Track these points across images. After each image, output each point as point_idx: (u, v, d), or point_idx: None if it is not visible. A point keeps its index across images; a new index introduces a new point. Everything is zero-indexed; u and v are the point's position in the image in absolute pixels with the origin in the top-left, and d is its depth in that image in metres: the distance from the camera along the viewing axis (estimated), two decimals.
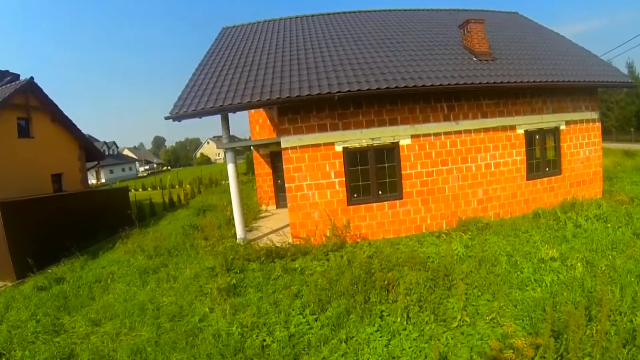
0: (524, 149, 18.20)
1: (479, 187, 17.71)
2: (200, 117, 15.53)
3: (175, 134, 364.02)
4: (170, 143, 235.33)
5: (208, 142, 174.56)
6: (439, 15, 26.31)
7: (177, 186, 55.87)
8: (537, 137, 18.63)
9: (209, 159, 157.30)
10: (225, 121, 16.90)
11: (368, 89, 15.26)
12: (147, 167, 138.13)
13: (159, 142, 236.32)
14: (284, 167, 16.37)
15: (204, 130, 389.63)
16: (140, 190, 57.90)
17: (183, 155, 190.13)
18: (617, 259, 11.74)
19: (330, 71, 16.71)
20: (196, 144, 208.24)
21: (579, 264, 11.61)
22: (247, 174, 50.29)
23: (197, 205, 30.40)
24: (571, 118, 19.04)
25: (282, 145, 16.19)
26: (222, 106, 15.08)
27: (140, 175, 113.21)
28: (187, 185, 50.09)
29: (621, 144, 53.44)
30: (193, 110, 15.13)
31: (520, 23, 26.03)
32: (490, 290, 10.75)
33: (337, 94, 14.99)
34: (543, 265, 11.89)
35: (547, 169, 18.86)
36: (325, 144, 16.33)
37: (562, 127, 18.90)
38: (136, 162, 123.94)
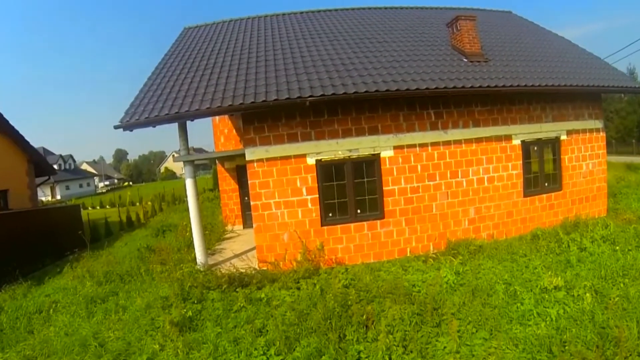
0: (521, 162, 17.88)
1: (471, 204, 17.31)
2: (155, 126, 14.97)
3: (139, 146, 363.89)
4: (132, 156, 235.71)
5: (173, 155, 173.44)
6: (424, 13, 26.25)
7: (137, 203, 55.34)
8: (535, 148, 18.36)
9: (174, 173, 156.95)
10: (183, 130, 16.34)
11: (344, 93, 14.78)
12: (107, 182, 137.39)
13: (120, 155, 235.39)
14: (249, 182, 15.87)
15: (170, 142, 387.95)
16: (98, 207, 57.47)
17: (146, 169, 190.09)
18: (630, 288, 11.19)
19: (301, 73, 16.28)
20: (160, 157, 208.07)
21: (587, 294, 11.01)
22: (213, 190, 49.93)
23: (157, 225, 29.82)
24: (573, 127, 18.81)
25: (247, 158, 15.70)
26: (179, 113, 14.50)
27: (99, 191, 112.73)
28: (149, 203, 49.67)
29: (622, 156, 53.93)
30: (146, 118, 14.53)
31: (515, 22, 26.10)
32: (486, 326, 10.15)
33: (309, 98, 14.49)
34: (546, 296, 11.30)
35: (546, 185, 18.56)
36: (296, 156, 15.84)
37: (563, 137, 18.65)
38: (95, 178, 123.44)
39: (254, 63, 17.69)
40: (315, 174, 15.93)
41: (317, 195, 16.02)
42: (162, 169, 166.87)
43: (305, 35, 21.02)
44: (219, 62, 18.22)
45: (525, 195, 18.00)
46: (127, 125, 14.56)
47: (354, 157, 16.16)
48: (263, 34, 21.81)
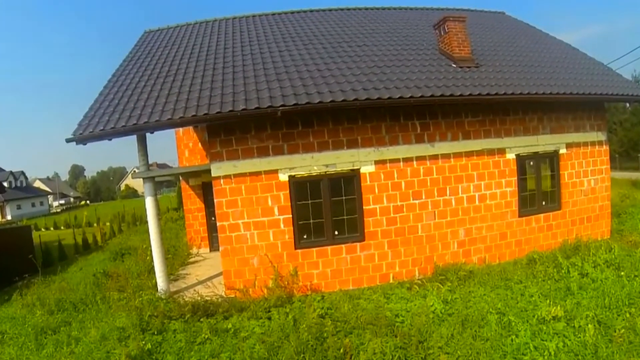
0: (516, 178, 18.02)
1: (460, 225, 17.39)
2: (110, 139, 14.95)
3: (97, 162, 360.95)
4: (90, 173, 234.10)
5: (135, 172, 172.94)
6: (409, 14, 26.56)
7: (95, 224, 54.99)
8: (531, 163, 18.54)
9: (136, 191, 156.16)
10: (142, 144, 16.37)
11: (320, 103, 14.81)
12: (62, 201, 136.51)
13: (77, 172, 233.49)
14: (215, 200, 15.87)
15: (131, 157, 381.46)
16: (52, 229, 57.05)
17: (105, 187, 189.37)
18: (636, 318, 11.26)
19: (272, 80, 16.31)
20: (121, 173, 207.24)
21: (589, 325, 11.02)
22: (178, 209, 49.61)
23: (116, 248, 29.68)
24: (573, 140, 18.98)
25: (213, 174, 15.72)
26: (137, 125, 14.49)
27: (53, 211, 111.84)
28: (107, 223, 49.39)
29: (627, 172, 54.05)
30: (101, 130, 14.50)
31: (509, 24, 26.49)
32: None
33: (281, 108, 14.51)
34: (544, 327, 11.32)
35: (543, 203, 18.70)
36: (267, 172, 15.86)
37: (562, 150, 18.81)
38: (49, 196, 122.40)
39: (220, 69, 17.71)
40: (288, 191, 15.95)
41: (291, 215, 16.01)
42: (123, 187, 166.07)
43: (277, 39, 21.12)
44: (182, 69, 18.25)
45: (520, 215, 18.10)
46: (81, 138, 14.53)
47: (331, 172, 16.21)
48: (231, 37, 21.89)
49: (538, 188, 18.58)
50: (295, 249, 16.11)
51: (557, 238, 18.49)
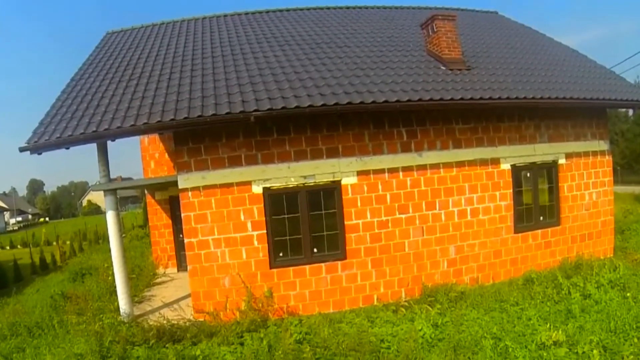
0: (511, 191, 17.99)
1: (451, 242, 17.31)
2: (68, 148, 14.70)
3: (57, 176, 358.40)
4: (50, 188, 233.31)
5: (93, 185, 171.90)
6: (393, 13, 26.73)
7: (54, 243, 54.49)
8: (528, 174, 18.55)
9: (99, 207, 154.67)
10: (103, 153, 16.21)
11: (297, 107, 14.70)
12: (19, 218, 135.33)
13: (35, 187, 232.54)
14: (182, 215, 15.73)
15: (94, 170, 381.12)
16: (8, 247, 56.58)
17: (66, 203, 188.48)
18: None
19: (245, 84, 16.21)
20: (83, 188, 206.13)
21: (594, 351, 10.92)
22: (144, 226, 49.26)
23: (76, 268, 29.36)
24: (573, 149, 18.98)
25: (180, 186, 15.56)
26: (97, 132, 14.25)
27: (9, 229, 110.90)
28: (67, 242, 48.85)
29: (629, 186, 54.15)
30: (57, 138, 14.27)
31: (502, 24, 26.69)
32: None
33: (254, 113, 14.36)
34: (544, 354, 11.19)
35: (541, 218, 18.71)
36: (239, 184, 15.73)
37: (561, 161, 18.82)
38: (5, 213, 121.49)
39: (188, 72, 17.60)
40: (262, 205, 15.83)
41: (265, 231, 15.87)
42: (85, 202, 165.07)
43: (250, 40, 21.06)
44: (146, 71, 18.12)
45: (516, 232, 18.06)
46: (35, 147, 14.30)
47: (310, 184, 16.12)
48: (200, 38, 21.84)
49: (535, 202, 18.57)
50: (271, 268, 15.97)
51: (555, 256, 18.46)
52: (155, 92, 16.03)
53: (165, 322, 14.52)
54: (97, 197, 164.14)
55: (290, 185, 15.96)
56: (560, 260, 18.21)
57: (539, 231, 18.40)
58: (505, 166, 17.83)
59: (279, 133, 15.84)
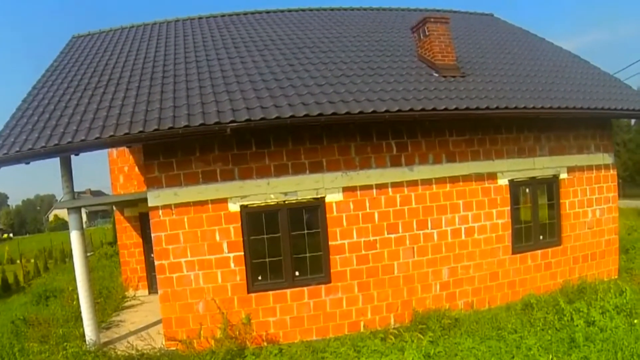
0: (509, 208, 17.80)
1: (444, 264, 17.08)
2: (28, 162, 14.44)
3: (22, 190, 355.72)
4: (14, 202, 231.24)
5: (55, 202, 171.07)
6: (382, 16, 26.71)
7: (17, 261, 53.93)
8: (527, 190, 18.42)
9: (65, 222, 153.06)
10: (66, 168, 15.95)
11: (277, 118, 14.40)
12: None
13: None
14: (152, 235, 15.45)
15: (61, 184, 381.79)
16: None
17: (31, 217, 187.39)
18: None
19: (221, 92, 15.92)
20: (49, 202, 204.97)
21: None
22: (113, 244, 48.73)
23: (40, 289, 28.86)
24: (575, 163, 18.83)
25: (150, 203, 15.29)
26: (60, 145, 13.92)
27: None
28: (31, 260, 48.27)
29: (632, 200, 53.94)
30: (17, 152, 13.90)
31: (498, 28, 26.69)
32: None
33: (230, 125, 14.08)
34: None
35: (541, 238, 18.51)
36: (215, 201, 15.48)
37: (563, 175, 18.66)
38: None
39: (159, 79, 17.32)
40: (239, 224, 15.58)
41: (243, 253, 15.60)
42: (51, 217, 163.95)
43: (227, 44, 20.82)
44: (114, 79, 17.79)
45: (514, 252, 17.86)
46: None
47: (292, 202, 15.90)
48: (173, 42, 21.60)
49: (535, 220, 18.40)
50: (249, 292, 15.71)
51: (556, 278, 18.28)
52: (123, 102, 15.72)
53: (134, 351, 14.43)
54: (64, 211, 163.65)
55: (270, 203, 15.74)
56: (562, 282, 18.02)
57: (539, 251, 18.20)
58: (503, 181, 17.66)
59: (258, 146, 15.64)
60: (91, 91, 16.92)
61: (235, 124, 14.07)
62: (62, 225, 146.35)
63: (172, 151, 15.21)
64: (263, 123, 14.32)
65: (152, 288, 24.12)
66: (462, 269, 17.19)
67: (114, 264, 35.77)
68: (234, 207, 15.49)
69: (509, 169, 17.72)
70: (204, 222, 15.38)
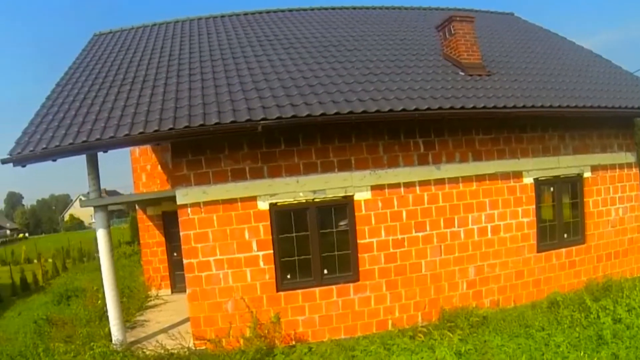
0: (534, 207, 17.36)
1: (470, 262, 16.60)
2: (55, 160, 13.94)
3: (36, 189, 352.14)
4: (29, 201, 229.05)
5: (80, 199, 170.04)
6: (403, 15, 26.37)
7: (35, 261, 53.52)
8: (551, 189, 17.97)
9: (82, 222, 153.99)
10: (93, 166, 15.39)
11: (309, 116, 14.03)
12: None
13: (14, 200, 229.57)
14: (181, 234, 14.93)
15: (76, 183, 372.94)
16: None
17: (46, 217, 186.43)
18: None
19: (250, 90, 15.50)
20: (64, 202, 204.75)
21: None
22: (132, 243, 48.78)
23: (60, 289, 28.40)
24: (599, 162, 18.40)
25: (179, 201, 14.79)
26: (88, 142, 13.44)
27: None
28: (49, 260, 47.80)
29: None
30: (43, 149, 13.41)
31: (520, 27, 26.35)
32: None
33: (262, 122, 13.66)
34: None
35: (565, 236, 18.06)
36: (244, 199, 15.00)
37: (587, 174, 18.23)
38: None
39: (186, 77, 16.92)
40: (269, 222, 15.12)
41: (272, 251, 15.13)
42: (67, 217, 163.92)
43: (252, 43, 20.39)
44: (139, 76, 17.39)
45: (539, 250, 17.41)
46: (19, 158, 13.46)
47: (320, 200, 15.45)
48: (197, 40, 21.18)
49: (559, 218, 17.97)
50: (278, 291, 15.22)
51: (580, 277, 17.86)
52: (151, 99, 15.32)
53: (162, 351, 13.90)
54: (79, 211, 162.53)
55: (299, 201, 15.30)
56: (585, 280, 17.62)
57: (563, 250, 17.77)
58: (528, 180, 17.22)
59: (287, 144, 15.20)
60: (117, 88, 16.50)
61: (266, 122, 13.69)
62: (78, 225, 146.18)
63: (201, 149, 14.77)
64: (294, 121, 14.03)
65: (175, 287, 23.72)
66: (489, 267, 16.74)
67: (133, 264, 35.57)
68: (263, 205, 15.03)
69: (534, 168, 17.29)
70: (233, 220, 14.91)
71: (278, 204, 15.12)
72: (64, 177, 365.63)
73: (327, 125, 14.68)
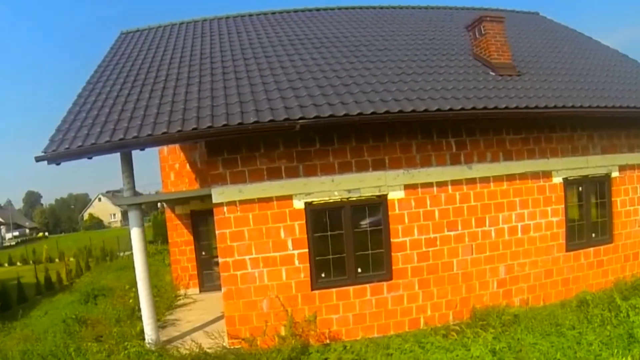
0: (563, 206, 17.03)
1: (501, 261, 16.29)
2: (91, 157, 13.60)
3: (55, 188, 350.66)
4: (48, 201, 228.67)
5: (99, 199, 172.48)
6: (430, 14, 26.14)
7: (57, 260, 53.30)
8: (580, 188, 17.61)
9: (101, 221, 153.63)
10: (128, 163, 15.17)
11: (346, 115, 13.79)
12: (16, 233, 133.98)
13: (32, 199, 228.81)
14: (217, 232, 14.67)
15: (94, 183, 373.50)
16: (6, 265, 55.19)
17: (65, 216, 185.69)
18: None
19: (286, 89, 15.25)
20: (83, 201, 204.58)
21: None
22: (154, 242, 48.53)
23: (86, 288, 28.13)
24: (627, 161, 18.05)
25: (215, 200, 14.50)
26: (125, 140, 13.15)
27: (6, 244, 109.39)
28: (71, 259, 47.62)
29: None
30: (79, 147, 13.09)
31: (546, 26, 26.09)
32: None
33: (300, 121, 13.42)
34: None
35: (592, 235, 17.71)
36: (280, 198, 14.72)
37: (614, 174, 17.88)
38: (1, 227, 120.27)
39: (220, 75, 16.68)
40: (304, 221, 14.83)
41: (307, 250, 14.87)
42: (86, 216, 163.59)
43: (283, 42, 20.18)
44: (172, 74, 17.17)
45: (567, 250, 17.08)
46: (54, 156, 13.15)
47: (354, 199, 15.16)
48: (227, 39, 20.91)
49: (587, 218, 17.65)
50: (312, 289, 14.93)
51: (608, 276, 17.50)
52: (187, 97, 15.13)
53: (198, 349, 13.61)
54: (98, 210, 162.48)
55: (333, 200, 15.02)
56: (613, 280, 17.29)
57: (591, 249, 17.43)
58: (557, 179, 16.92)
59: (322, 143, 14.92)
60: (150, 86, 16.29)
61: (304, 121, 13.50)
62: (97, 224, 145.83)
63: (237, 148, 14.51)
64: (331, 120, 13.82)
65: (203, 286, 23.48)
66: (519, 266, 16.44)
67: (157, 263, 35.37)
68: (298, 204, 14.75)
69: (563, 168, 16.98)
70: (269, 219, 14.66)
71: (313, 202, 14.85)
72: (81, 176, 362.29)
73: (362, 124, 14.39)
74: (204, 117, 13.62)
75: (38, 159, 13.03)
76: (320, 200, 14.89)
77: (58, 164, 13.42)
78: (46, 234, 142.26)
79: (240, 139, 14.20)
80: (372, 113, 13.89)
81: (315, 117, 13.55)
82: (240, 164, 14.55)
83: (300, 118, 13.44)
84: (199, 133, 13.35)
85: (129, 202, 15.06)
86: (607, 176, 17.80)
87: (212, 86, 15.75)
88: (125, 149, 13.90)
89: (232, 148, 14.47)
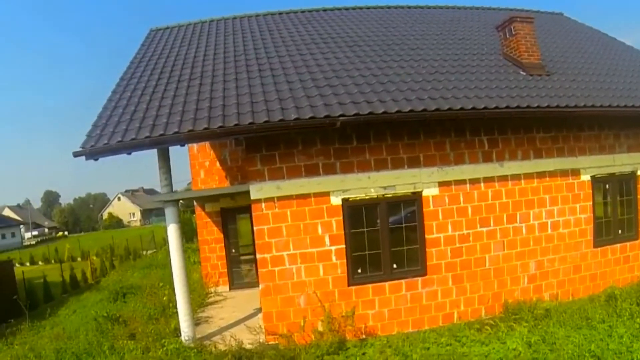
0: (591, 203, 16.61)
1: (531, 257, 15.86)
2: (130, 153, 13.22)
3: (73, 188, 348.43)
4: (66, 200, 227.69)
5: (119, 199, 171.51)
6: (459, 14, 25.73)
7: (79, 259, 52.82)
8: (607, 186, 17.20)
9: (120, 220, 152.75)
10: (165, 160, 14.75)
11: (384, 112, 13.39)
12: (35, 232, 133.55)
13: (51, 198, 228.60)
14: (255, 228, 14.24)
15: (112, 182, 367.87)
16: (28, 264, 54.69)
17: (85, 216, 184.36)
18: None
19: (323, 86, 14.86)
20: (102, 201, 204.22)
21: None
22: None
23: (113, 287, 27.73)
24: None
25: (253, 196, 14.05)
26: (165, 135, 12.75)
27: (26, 243, 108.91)
28: (94, 257, 46.99)
29: None
30: (119, 142, 12.67)
31: (570, 27, 25.71)
32: None
33: (341, 118, 13.02)
34: None
35: (619, 232, 17.26)
36: (317, 195, 14.29)
37: None
38: (21, 226, 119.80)
39: (256, 72, 16.31)
40: (341, 217, 14.41)
41: (344, 246, 14.43)
42: (106, 215, 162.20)
43: (315, 40, 19.83)
44: (207, 71, 16.79)
45: (595, 246, 16.66)
46: (93, 151, 12.70)
47: (390, 196, 14.73)
48: (259, 36, 20.51)
49: (614, 214, 17.25)
50: (349, 285, 14.47)
51: (634, 271, 17.10)
52: (224, 93, 14.77)
53: (237, 346, 13.13)
54: (118, 209, 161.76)
55: (370, 197, 14.57)
56: (639, 275, 16.94)
57: (618, 245, 17.04)
58: (586, 177, 16.53)
59: (359, 141, 14.52)
60: (186, 83, 15.93)
61: (344, 118, 13.16)
62: (117, 224, 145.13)
63: (275, 144, 14.12)
64: (370, 117, 13.42)
65: (233, 284, 23.03)
66: (548, 262, 16.04)
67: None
68: (336, 200, 14.33)
69: (591, 165, 16.60)
70: (307, 215, 14.23)
71: (350, 199, 14.44)
72: (97, 175, 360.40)
73: (398, 122, 14.04)
74: (245, 114, 13.26)
75: (76, 154, 12.62)
76: (357, 197, 14.48)
77: (96, 159, 12.99)
78: (66, 233, 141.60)
79: (278, 135, 13.82)
80: (410, 111, 13.58)
81: (355, 114, 13.19)
82: (279, 160, 14.18)
83: (341, 115, 13.10)
84: (241, 129, 12.95)
85: (166, 198, 14.58)
86: (633, 174, 17.44)
87: (249, 83, 15.38)
88: (165, 144, 13.48)
89: (270, 145, 14.11)
